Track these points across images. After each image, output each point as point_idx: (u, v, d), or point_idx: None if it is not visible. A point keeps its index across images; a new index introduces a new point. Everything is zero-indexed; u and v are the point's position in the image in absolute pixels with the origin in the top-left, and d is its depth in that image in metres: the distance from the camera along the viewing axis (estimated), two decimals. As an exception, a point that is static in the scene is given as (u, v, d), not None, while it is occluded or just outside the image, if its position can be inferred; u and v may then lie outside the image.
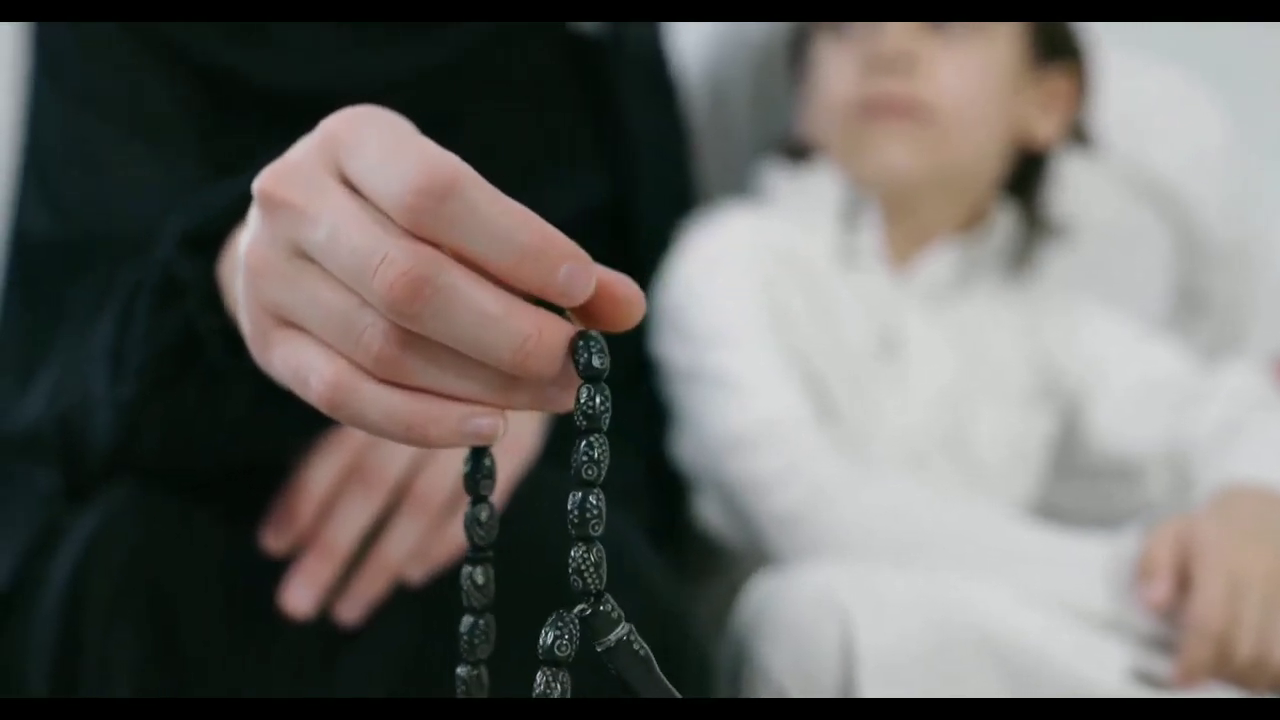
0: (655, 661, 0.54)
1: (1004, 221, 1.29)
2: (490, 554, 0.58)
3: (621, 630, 0.52)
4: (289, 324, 0.55)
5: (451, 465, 0.87)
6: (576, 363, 0.51)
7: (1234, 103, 1.50)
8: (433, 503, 0.87)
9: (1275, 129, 1.70)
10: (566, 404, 0.53)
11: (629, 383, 1.24)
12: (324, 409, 0.53)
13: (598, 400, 0.51)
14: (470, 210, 0.50)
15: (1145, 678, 1.03)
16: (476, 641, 0.59)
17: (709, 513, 1.21)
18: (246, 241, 0.56)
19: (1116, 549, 1.08)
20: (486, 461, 0.58)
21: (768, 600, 1.03)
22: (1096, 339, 1.30)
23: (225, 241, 0.75)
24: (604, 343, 0.52)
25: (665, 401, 1.23)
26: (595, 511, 0.51)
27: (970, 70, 1.22)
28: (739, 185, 1.39)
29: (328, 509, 0.87)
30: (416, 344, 0.51)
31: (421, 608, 0.88)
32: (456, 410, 0.52)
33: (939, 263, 1.26)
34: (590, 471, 0.51)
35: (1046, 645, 1.01)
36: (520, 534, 0.88)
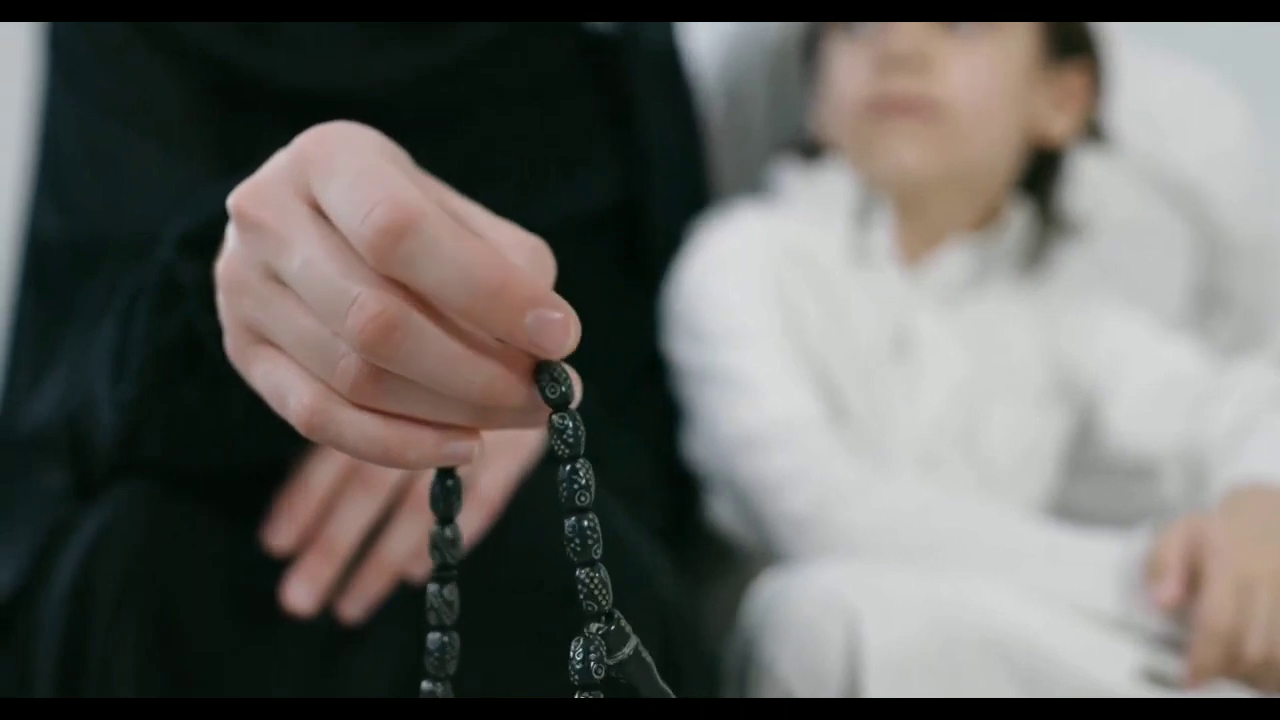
0: (656, 669, 0.54)
1: (1018, 219, 1.28)
2: (455, 572, 0.59)
3: (631, 646, 0.53)
4: (267, 341, 0.56)
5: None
6: (542, 392, 0.51)
7: (1254, 99, 1.49)
8: (434, 502, 0.88)
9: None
10: (544, 422, 0.53)
11: (640, 382, 1.24)
12: (302, 431, 0.53)
13: (570, 427, 0.51)
14: (428, 249, 0.49)
15: (1154, 678, 1.02)
16: (446, 658, 0.60)
17: (721, 513, 1.21)
18: (224, 258, 0.56)
19: (1126, 549, 1.07)
20: (449, 483, 0.58)
21: (775, 599, 1.03)
22: (1113, 337, 1.29)
23: (223, 243, 0.75)
24: (566, 370, 0.52)
25: (677, 401, 1.23)
26: (594, 536, 0.52)
27: (983, 69, 1.21)
28: (756, 185, 1.39)
29: (329, 508, 0.88)
30: (392, 375, 0.51)
31: (423, 606, 0.88)
32: (433, 435, 0.52)
33: (952, 261, 1.26)
34: (582, 498, 0.52)
35: (1054, 645, 1.01)
36: (521, 534, 0.89)
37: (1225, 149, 1.47)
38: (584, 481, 0.51)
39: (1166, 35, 1.52)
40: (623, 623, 0.53)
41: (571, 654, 0.52)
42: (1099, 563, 1.07)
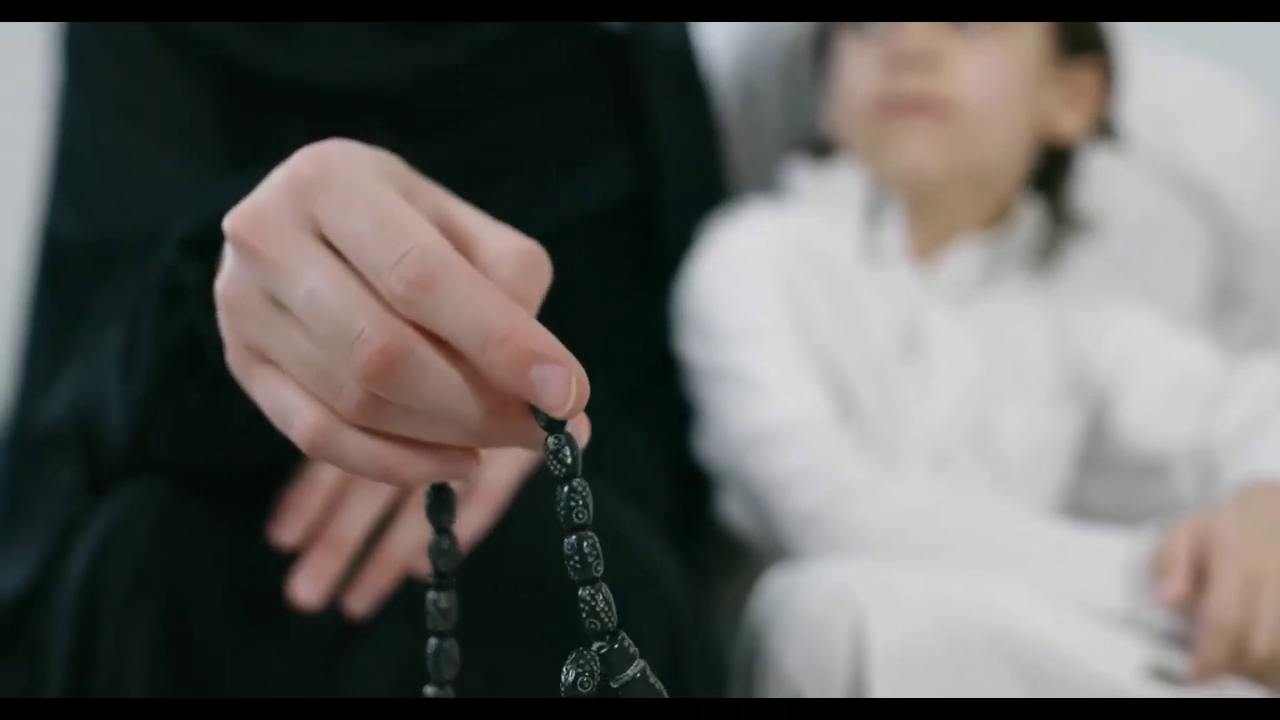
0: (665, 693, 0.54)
1: (1030, 217, 1.28)
2: (453, 580, 0.60)
3: (637, 668, 0.53)
4: (267, 360, 0.56)
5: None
6: (536, 415, 0.51)
7: (1271, 96, 1.49)
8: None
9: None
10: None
11: (651, 380, 1.24)
12: (306, 450, 0.54)
13: (566, 450, 0.51)
14: (449, 298, 0.50)
15: (1161, 675, 1.02)
16: (441, 664, 0.60)
17: (731, 511, 1.21)
18: (223, 277, 0.57)
19: (1133, 546, 1.07)
20: (444, 493, 0.59)
21: (782, 595, 1.04)
22: (1125, 335, 1.29)
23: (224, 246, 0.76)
24: None
25: (687, 399, 1.23)
26: (594, 554, 0.52)
27: (993, 67, 1.21)
28: (771, 184, 1.39)
29: (335, 503, 0.88)
30: (393, 402, 0.52)
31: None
32: (432, 454, 0.53)
33: (963, 260, 1.26)
34: (580, 516, 0.51)
35: (1061, 642, 1.01)
36: (524, 534, 0.89)
37: (1241, 145, 1.46)
38: (581, 500, 0.51)
39: (1181, 32, 1.51)
40: (627, 643, 0.52)
41: (563, 676, 0.52)
42: (1106, 560, 1.07)
